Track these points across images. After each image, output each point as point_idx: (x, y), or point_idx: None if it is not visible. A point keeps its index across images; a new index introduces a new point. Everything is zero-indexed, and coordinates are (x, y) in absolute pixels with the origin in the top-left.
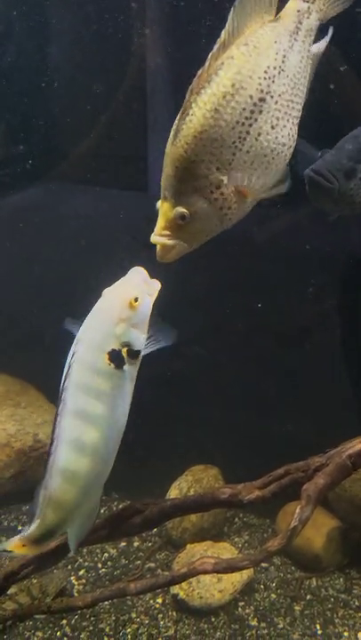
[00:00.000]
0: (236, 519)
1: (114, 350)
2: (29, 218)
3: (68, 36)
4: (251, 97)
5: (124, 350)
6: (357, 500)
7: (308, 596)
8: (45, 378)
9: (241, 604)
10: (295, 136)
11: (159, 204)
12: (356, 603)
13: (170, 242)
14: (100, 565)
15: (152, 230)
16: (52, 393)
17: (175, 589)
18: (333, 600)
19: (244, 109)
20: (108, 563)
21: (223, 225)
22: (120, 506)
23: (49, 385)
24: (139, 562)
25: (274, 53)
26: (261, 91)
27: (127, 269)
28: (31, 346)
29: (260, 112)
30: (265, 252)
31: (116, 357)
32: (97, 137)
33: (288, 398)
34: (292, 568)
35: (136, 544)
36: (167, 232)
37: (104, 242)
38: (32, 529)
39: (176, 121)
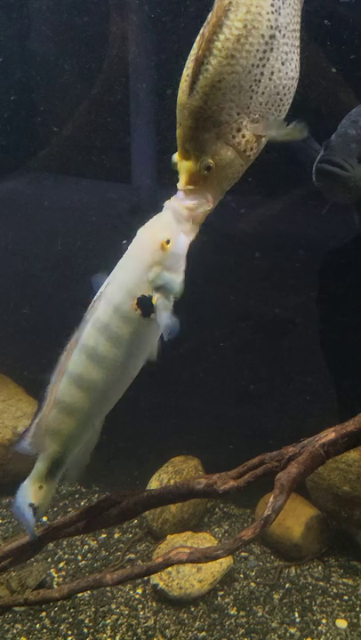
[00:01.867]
0: (217, 509)
1: (144, 297)
2: (7, 209)
3: (46, 23)
4: (263, 36)
5: (155, 298)
6: (335, 488)
7: (287, 585)
8: (24, 371)
9: (220, 593)
10: (298, 67)
11: (175, 158)
12: (335, 590)
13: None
14: (80, 557)
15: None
16: (31, 385)
17: (155, 580)
18: (312, 588)
19: (257, 51)
20: (88, 555)
21: (245, 167)
22: None
23: (27, 378)
24: (119, 553)
25: None
26: (271, 27)
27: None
28: (9, 338)
29: (272, 50)
30: (247, 241)
31: (144, 304)
32: (77, 127)
33: (269, 388)
34: (272, 557)
35: (116, 535)
36: (191, 187)
37: (86, 233)
38: (37, 465)
39: (188, 70)
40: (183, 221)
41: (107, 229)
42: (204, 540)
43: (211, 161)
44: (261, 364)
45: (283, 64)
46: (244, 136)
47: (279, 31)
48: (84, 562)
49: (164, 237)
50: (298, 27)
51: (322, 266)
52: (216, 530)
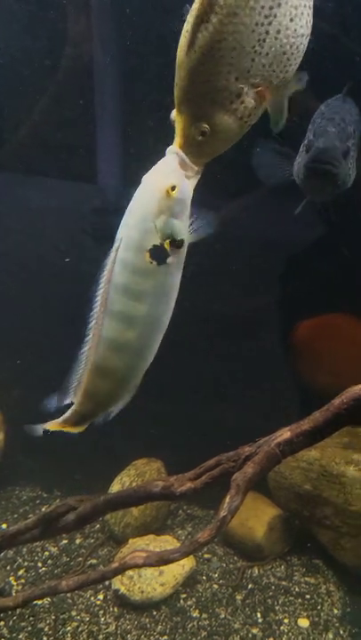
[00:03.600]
0: (180, 511)
1: (155, 247)
2: None
3: (5, 18)
4: None
5: (167, 243)
6: (297, 487)
7: (250, 585)
8: None
9: (183, 596)
10: (310, 23)
11: (174, 114)
12: (297, 589)
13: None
14: (40, 564)
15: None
16: None
17: (116, 585)
18: (274, 588)
19: (263, 7)
20: (49, 561)
21: (242, 132)
22: None
23: None
24: (80, 559)
25: None
26: None
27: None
28: None
29: (279, 5)
30: (212, 242)
31: (157, 254)
32: (38, 125)
33: (233, 389)
34: (235, 558)
35: (78, 541)
36: (186, 151)
37: (50, 234)
38: (67, 415)
39: (188, 26)
40: (186, 165)
41: (72, 230)
42: (167, 543)
43: (206, 126)
44: (226, 364)
45: (291, 20)
46: (243, 102)
47: None
48: (44, 569)
49: (170, 184)
50: None
51: (286, 266)
52: (179, 532)
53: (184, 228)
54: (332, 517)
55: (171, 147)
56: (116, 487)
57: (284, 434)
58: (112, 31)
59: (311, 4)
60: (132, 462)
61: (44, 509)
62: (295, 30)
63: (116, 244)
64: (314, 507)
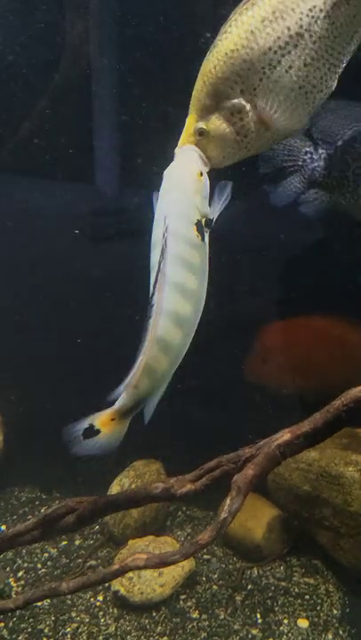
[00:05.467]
0: (179, 512)
1: (198, 221)
2: None
3: (2, 17)
4: (288, 28)
5: (204, 221)
6: (296, 488)
7: (250, 586)
8: None
9: (183, 596)
10: (329, 84)
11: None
12: (296, 590)
13: None
14: (39, 566)
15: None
16: None
17: (116, 586)
18: (274, 588)
19: (278, 38)
20: (48, 563)
21: (240, 152)
22: None
23: None
24: (80, 560)
25: None
26: (301, 26)
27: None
28: None
29: (296, 46)
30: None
31: (201, 229)
32: (36, 126)
33: (233, 390)
34: (234, 559)
35: (77, 542)
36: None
37: (46, 236)
38: (125, 399)
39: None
40: (203, 159)
41: (69, 232)
42: (166, 544)
43: (203, 127)
44: (225, 366)
45: (305, 65)
46: (241, 119)
47: (310, 35)
48: (43, 570)
49: (199, 169)
50: (340, 49)
51: (282, 267)
52: (179, 533)
53: (209, 209)
54: (332, 518)
55: (186, 144)
56: (115, 489)
57: (285, 435)
58: (111, 33)
59: (334, 69)
60: (132, 464)
61: (43, 511)
62: (307, 76)
63: (159, 222)
64: (313, 507)
